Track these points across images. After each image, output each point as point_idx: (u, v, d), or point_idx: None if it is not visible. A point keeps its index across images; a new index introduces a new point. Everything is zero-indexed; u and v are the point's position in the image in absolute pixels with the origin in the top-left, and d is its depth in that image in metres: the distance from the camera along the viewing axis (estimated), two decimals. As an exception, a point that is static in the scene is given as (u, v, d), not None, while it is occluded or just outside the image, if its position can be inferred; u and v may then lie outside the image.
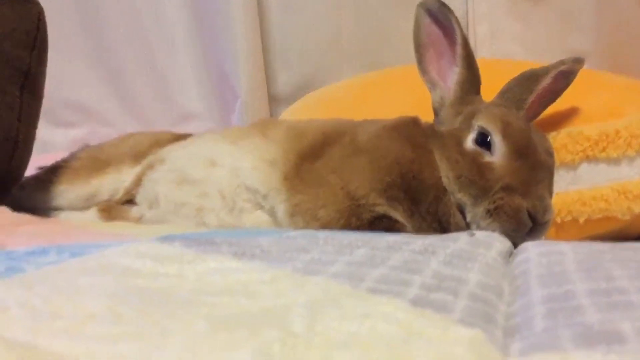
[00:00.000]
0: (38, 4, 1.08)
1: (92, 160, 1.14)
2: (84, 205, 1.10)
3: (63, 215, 1.10)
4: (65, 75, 1.91)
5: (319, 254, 0.61)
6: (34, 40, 1.05)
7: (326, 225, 0.86)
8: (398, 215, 0.87)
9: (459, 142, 0.88)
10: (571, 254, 0.65)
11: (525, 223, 0.82)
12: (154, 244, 0.64)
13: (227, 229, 0.93)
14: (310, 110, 1.42)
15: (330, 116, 1.10)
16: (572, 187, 1.05)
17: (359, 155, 0.90)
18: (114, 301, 0.47)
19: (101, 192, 1.10)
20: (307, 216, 0.88)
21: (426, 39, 0.96)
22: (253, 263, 0.58)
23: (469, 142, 0.88)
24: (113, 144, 1.19)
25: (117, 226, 0.99)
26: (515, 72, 1.00)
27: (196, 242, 0.64)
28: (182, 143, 1.11)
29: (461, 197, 0.86)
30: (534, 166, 0.85)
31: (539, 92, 0.98)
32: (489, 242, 0.73)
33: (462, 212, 0.86)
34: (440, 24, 0.95)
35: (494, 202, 0.82)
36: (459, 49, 0.93)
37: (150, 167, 1.07)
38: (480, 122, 0.87)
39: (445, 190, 0.87)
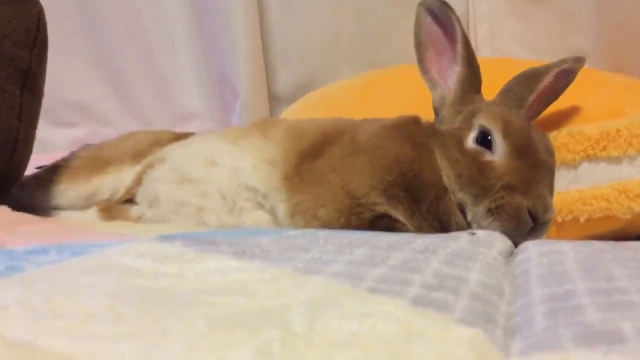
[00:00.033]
0: (38, 4, 1.08)
1: (92, 159, 1.13)
2: (84, 205, 1.10)
3: (63, 215, 1.10)
4: (65, 75, 1.91)
5: (319, 253, 0.61)
6: (34, 40, 1.05)
7: (326, 225, 0.86)
8: (398, 214, 0.87)
9: (460, 141, 0.88)
10: (572, 254, 0.65)
11: (526, 222, 0.82)
12: (154, 244, 0.63)
13: (227, 229, 0.93)
14: (310, 110, 1.42)
15: (330, 116, 1.10)
16: (572, 186, 1.05)
17: (359, 155, 0.90)
18: (114, 300, 0.47)
19: (101, 192, 1.09)
20: (307, 215, 0.88)
21: (427, 38, 0.96)
22: (253, 262, 0.58)
23: (470, 141, 0.87)
24: (113, 143, 1.19)
25: (118, 225, 0.98)
26: (515, 71, 1.00)
27: (196, 242, 0.64)
28: (183, 142, 1.11)
29: (462, 196, 0.86)
30: (534, 165, 0.85)
31: (540, 91, 0.98)
32: (490, 241, 0.73)
33: (463, 212, 0.86)
34: (440, 23, 0.95)
35: (495, 201, 0.82)
36: (459, 48, 0.93)
37: (151, 166, 1.06)
38: (480, 121, 0.87)
39: (445, 189, 0.87)
